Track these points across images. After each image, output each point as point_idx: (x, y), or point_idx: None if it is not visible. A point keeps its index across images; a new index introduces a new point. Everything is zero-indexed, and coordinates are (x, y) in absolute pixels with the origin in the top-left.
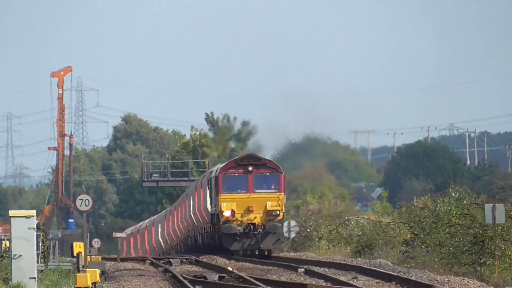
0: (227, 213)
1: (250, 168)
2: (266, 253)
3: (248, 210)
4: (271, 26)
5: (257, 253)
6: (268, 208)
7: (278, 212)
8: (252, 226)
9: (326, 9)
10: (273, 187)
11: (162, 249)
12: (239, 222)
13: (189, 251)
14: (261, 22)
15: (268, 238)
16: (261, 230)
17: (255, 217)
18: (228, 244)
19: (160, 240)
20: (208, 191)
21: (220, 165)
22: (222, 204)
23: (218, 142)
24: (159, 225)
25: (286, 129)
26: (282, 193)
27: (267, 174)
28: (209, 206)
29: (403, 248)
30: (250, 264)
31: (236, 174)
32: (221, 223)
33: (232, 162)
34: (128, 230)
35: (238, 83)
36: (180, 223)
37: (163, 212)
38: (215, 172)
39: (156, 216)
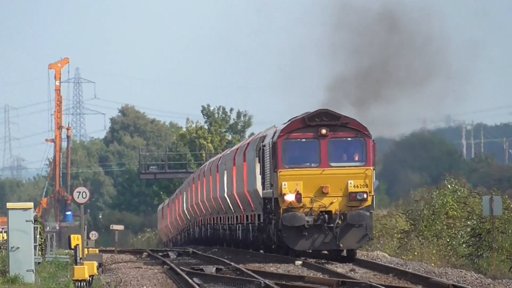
0: (290, 197)
1: (324, 131)
2: (346, 254)
3: (321, 193)
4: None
5: (327, 252)
6: (351, 189)
7: (364, 195)
8: (326, 216)
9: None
10: (357, 158)
11: (188, 220)
12: (307, 210)
13: (219, 240)
14: (259, 18)
15: (350, 233)
16: (340, 222)
17: (332, 203)
18: (291, 242)
19: (185, 211)
20: (258, 165)
21: (279, 127)
22: (283, 183)
23: (214, 134)
24: (185, 194)
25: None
26: (371, 168)
27: (349, 139)
28: (259, 187)
29: (400, 240)
30: (247, 256)
31: (304, 140)
32: (281, 212)
33: (298, 122)
34: (166, 202)
35: (237, 75)
36: (206, 201)
37: (186, 180)
38: (272, 138)
39: (184, 183)
